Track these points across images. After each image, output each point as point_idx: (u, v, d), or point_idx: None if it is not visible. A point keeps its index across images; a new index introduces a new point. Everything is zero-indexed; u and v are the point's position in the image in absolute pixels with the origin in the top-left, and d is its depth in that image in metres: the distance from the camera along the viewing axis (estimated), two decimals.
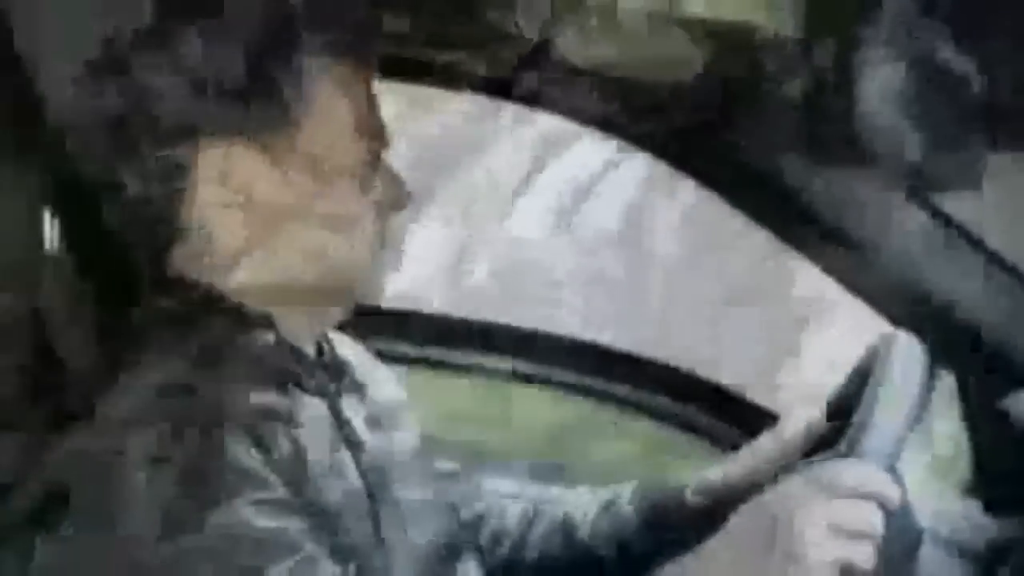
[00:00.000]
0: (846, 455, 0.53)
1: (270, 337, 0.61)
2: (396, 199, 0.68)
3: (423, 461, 0.75)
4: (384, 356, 0.78)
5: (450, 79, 1.00)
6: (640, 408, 1.24)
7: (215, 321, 0.61)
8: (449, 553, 0.71)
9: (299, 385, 0.62)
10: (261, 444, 0.54)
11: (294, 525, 0.52)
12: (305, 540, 0.52)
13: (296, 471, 0.55)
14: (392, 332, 1.20)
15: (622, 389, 1.23)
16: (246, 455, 0.52)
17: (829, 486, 0.49)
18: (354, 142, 0.65)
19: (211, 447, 0.52)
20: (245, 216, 0.62)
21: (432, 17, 0.90)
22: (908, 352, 0.61)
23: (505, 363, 1.27)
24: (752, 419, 1.11)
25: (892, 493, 0.50)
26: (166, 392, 0.55)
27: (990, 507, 0.76)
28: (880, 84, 0.86)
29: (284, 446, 0.55)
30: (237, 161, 0.61)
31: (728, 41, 0.90)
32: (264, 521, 0.50)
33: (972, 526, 0.69)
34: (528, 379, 1.28)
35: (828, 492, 0.49)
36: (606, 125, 0.97)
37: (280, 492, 0.53)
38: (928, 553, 0.62)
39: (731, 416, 1.18)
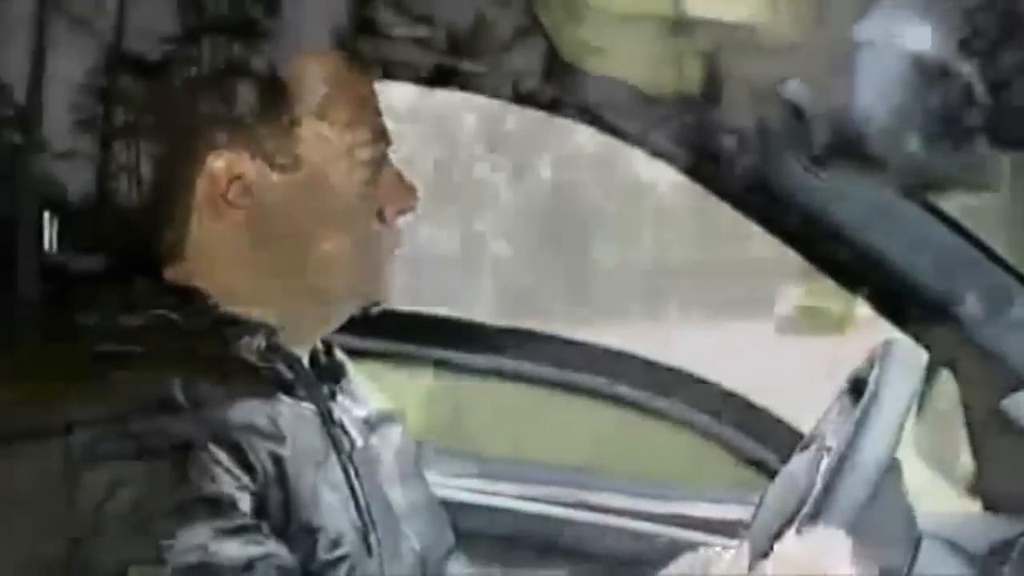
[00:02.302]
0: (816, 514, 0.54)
1: (262, 344, 0.61)
2: (401, 201, 0.68)
3: (416, 463, 0.75)
4: (391, 357, 0.79)
5: (466, 84, 1.01)
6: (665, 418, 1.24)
7: (209, 329, 0.61)
8: (440, 554, 0.71)
9: (291, 392, 0.62)
10: (245, 463, 0.54)
11: (264, 551, 0.52)
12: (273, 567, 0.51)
13: (280, 492, 0.55)
14: (402, 333, 1.20)
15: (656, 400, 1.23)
16: (225, 477, 0.52)
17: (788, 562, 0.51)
18: (356, 145, 0.65)
19: (178, 471, 0.51)
20: (247, 222, 0.62)
21: (450, 22, 0.90)
22: (906, 357, 0.61)
23: (527, 367, 1.27)
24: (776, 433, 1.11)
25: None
26: (145, 408, 0.55)
27: (990, 507, 0.76)
28: (881, 84, 0.86)
29: (268, 465, 0.55)
30: (240, 168, 0.61)
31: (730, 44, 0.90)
32: (230, 549, 0.50)
33: (972, 526, 0.69)
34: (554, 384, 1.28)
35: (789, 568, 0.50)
36: (617, 132, 0.97)
37: (250, 517, 0.53)
38: (928, 553, 0.62)
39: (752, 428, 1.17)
